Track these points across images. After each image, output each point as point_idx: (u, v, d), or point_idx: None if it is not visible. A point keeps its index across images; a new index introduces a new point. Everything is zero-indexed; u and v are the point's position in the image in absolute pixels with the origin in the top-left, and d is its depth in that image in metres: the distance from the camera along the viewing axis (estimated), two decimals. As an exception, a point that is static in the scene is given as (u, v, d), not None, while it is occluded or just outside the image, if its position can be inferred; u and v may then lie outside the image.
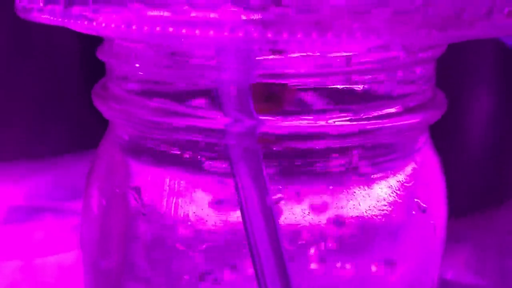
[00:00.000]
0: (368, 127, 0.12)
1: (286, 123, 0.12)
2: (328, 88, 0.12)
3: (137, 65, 0.12)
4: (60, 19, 0.11)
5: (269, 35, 0.10)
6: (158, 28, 0.10)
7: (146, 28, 0.10)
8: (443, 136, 0.25)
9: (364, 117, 0.12)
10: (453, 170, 0.26)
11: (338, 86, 0.12)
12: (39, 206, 0.28)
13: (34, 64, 0.31)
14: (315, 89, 0.12)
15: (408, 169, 0.13)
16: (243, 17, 0.10)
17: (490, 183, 0.28)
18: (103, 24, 0.11)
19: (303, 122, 0.12)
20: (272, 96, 0.12)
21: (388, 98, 0.12)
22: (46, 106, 0.33)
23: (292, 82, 0.12)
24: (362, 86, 0.12)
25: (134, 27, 0.10)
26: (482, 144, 0.27)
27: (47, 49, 0.32)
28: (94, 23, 0.11)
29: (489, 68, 0.26)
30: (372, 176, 0.13)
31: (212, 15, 0.10)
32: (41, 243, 0.26)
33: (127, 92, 0.13)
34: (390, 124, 0.12)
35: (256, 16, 0.10)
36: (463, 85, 0.26)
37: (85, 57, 0.30)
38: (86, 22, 0.11)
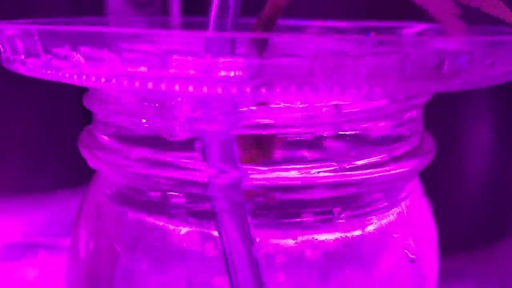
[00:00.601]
0: (353, 178, 0.12)
1: (270, 175, 0.12)
2: (313, 138, 0.12)
3: (121, 114, 0.12)
4: (42, 72, 0.11)
5: (248, 90, 0.10)
6: (137, 84, 0.10)
7: (125, 82, 0.10)
8: (442, 170, 0.25)
9: (348, 167, 0.12)
10: (453, 204, 0.26)
11: (323, 136, 0.12)
12: (34, 242, 0.28)
13: (31, 99, 0.31)
14: (299, 139, 0.12)
15: (396, 218, 0.13)
16: (222, 73, 0.10)
17: (490, 217, 0.27)
18: (84, 77, 0.11)
19: (288, 174, 0.12)
20: (260, 144, 0.12)
21: (373, 148, 0.12)
22: (42, 141, 0.33)
23: (276, 132, 0.12)
24: (346, 136, 0.12)
25: (113, 81, 0.10)
26: (481, 177, 0.27)
27: (45, 85, 0.32)
28: (75, 77, 0.11)
29: (488, 100, 0.26)
30: (357, 226, 0.12)
31: (191, 71, 0.10)
32: (35, 281, 0.25)
33: (111, 141, 0.13)
34: (377, 175, 0.12)
35: (234, 72, 0.10)
36: (462, 119, 0.26)
37: (82, 92, 0.30)
38: (67, 75, 0.11)
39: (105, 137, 0.13)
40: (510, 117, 0.26)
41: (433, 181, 0.24)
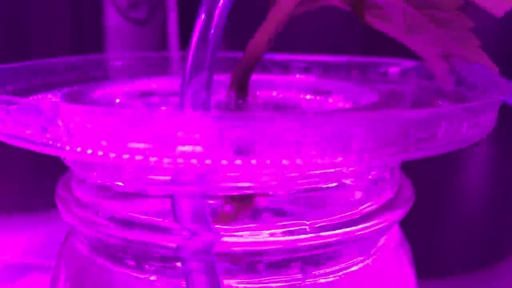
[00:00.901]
0: (326, 239, 0.12)
1: (242, 238, 0.12)
2: (284, 199, 0.12)
3: (96, 173, 0.12)
4: (25, 140, 0.11)
5: (209, 162, 0.10)
6: (113, 155, 0.10)
7: (101, 153, 0.10)
8: (440, 191, 0.25)
9: (320, 226, 0.12)
10: (451, 226, 0.26)
11: (294, 196, 0.12)
12: (33, 263, 0.28)
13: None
14: (270, 200, 0.12)
15: (371, 272, 0.13)
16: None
17: (488, 239, 0.27)
18: (58, 145, 0.11)
19: (260, 237, 0.12)
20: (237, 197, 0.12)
21: (347, 206, 0.12)
22: (41, 158, 0.33)
23: (247, 193, 0.12)
24: (318, 194, 0.12)
25: (89, 151, 0.10)
26: (480, 199, 0.27)
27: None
28: (58, 144, 0.11)
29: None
30: (331, 282, 0.12)
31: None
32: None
33: (86, 196, 0.13)
34: (351, 234, 0.12)
35: (195, 146, 0.10)
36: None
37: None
38: (50, 143, 0.11)
39: (80, 192, 0.13)
40: (508, 138, 0.26)
41: (431, 202, 0.24)
